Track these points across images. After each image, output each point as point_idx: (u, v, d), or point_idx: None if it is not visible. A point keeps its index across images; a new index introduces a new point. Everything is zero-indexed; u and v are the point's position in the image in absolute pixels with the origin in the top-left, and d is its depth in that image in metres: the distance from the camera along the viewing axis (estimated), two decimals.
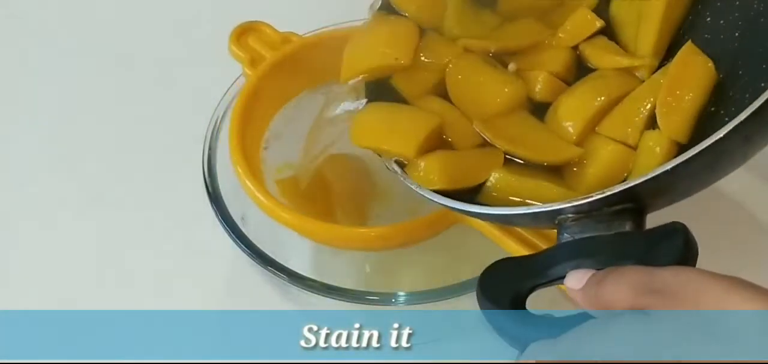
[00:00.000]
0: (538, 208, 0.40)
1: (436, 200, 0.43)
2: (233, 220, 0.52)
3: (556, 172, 0.43)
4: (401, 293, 0.48)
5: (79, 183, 0.67)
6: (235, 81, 0.57)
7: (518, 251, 0.46)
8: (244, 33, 0.58)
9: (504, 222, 0.45)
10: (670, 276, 0.32)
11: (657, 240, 0.37)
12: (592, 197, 0.38)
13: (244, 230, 0.52)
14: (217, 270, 0.60)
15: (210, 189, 0.53)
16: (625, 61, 0.45)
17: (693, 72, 0.41)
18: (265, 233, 0.57)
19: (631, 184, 0.37)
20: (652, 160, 0.40)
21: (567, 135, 0.43)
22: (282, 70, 0.58)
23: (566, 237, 0.40)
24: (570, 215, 0.39)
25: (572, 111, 0.44)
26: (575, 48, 0.47)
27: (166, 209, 0.64)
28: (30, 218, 0.65)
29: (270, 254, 0.51)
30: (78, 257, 0.62)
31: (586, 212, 0.39)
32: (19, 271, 0.62)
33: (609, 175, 0.41)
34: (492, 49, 0.48)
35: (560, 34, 0.47)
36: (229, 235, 0.51)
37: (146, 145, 0.69)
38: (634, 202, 0.38)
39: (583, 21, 0.47)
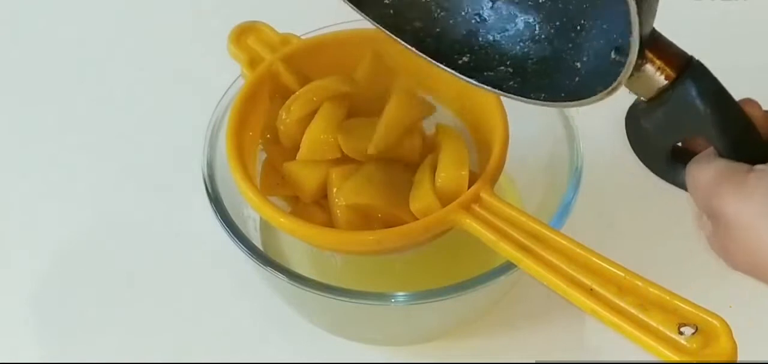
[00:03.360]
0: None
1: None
2: (233, 220, 0.52)
3: None
4: (400, 294, 0.49)
5: (78, 183, 0.67)
6: (234, 81, 0.58)
7: (512, 254, 0.46)
8: (243, 33, 0.58)
9: None
10: (715, 204, 0.39)
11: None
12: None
13: (243, 229, 0.52)
14: (217, 270, 0.60)
15: (210, 189, 0.53)
16: None
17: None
18: (265, 232, 0.58)
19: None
20: None
21: None
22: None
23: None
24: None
25: None
26: None
27: (165, 209, 0.65)
28: (26, 215, 0.66)
29: (270, 254, 0.51)
30: (76, 257, 0.63)
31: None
32: (19, 270, 0.62)
33: None
34: None
35: None
36: (229, 235, 0.51)
37: (146, 145, 0.69)
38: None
39: None
